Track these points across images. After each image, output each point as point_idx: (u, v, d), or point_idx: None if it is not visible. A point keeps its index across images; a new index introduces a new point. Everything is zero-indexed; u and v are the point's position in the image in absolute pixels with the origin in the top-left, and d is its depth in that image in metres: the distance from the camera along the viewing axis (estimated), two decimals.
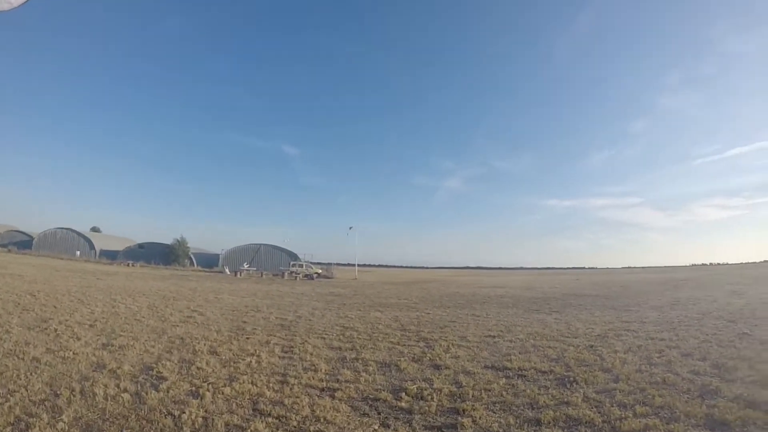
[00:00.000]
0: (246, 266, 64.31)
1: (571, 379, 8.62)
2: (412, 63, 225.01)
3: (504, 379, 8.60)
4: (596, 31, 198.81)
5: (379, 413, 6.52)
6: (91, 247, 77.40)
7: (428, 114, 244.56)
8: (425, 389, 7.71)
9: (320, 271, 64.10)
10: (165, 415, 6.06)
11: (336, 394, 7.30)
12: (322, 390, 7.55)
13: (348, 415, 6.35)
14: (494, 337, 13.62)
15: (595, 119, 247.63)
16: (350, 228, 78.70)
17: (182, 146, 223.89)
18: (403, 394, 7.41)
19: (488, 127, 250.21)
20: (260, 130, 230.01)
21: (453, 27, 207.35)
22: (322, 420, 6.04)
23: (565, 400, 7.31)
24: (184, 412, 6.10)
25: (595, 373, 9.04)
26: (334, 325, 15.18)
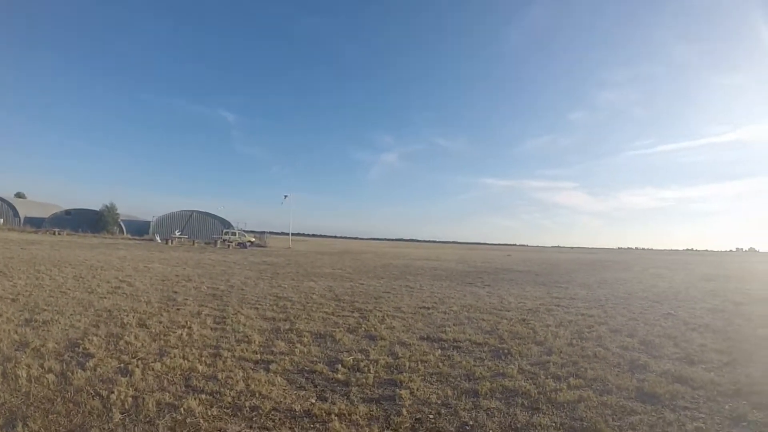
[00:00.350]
0: (178, 234, 62.36)
1: (506, 351, 8.82)
2: (360, 38, 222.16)
3: (440, 351, 8.61)
4: (548, 24, 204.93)
5: (315, 386, 6.38)
6: (15, 214, 71.90)
7: (373, 90, 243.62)
8: (362, 361, 7.62)
9: (253, 239, 63.45)
10: (93, 396, 5.60)
11: (271, 366, 7.09)
12: (257, 363, 7.33)
13: (284, 389, 6.16)
14: (428, 308, 13.78)
15: (536, 106, 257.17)
16: (285, 196, 77.15)
17: (113, 109, 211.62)
18: (340, 365, 7.29)
19: (430, 106, 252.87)
20: (199, 95, 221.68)
21: (406, 4, 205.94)
22: (257, 395, 5.84)
23: (501, 371, 7.46)
24: (112, 392, 5.68)
25: (529, 345, 9.31)
26: (268, 294, 14.94)
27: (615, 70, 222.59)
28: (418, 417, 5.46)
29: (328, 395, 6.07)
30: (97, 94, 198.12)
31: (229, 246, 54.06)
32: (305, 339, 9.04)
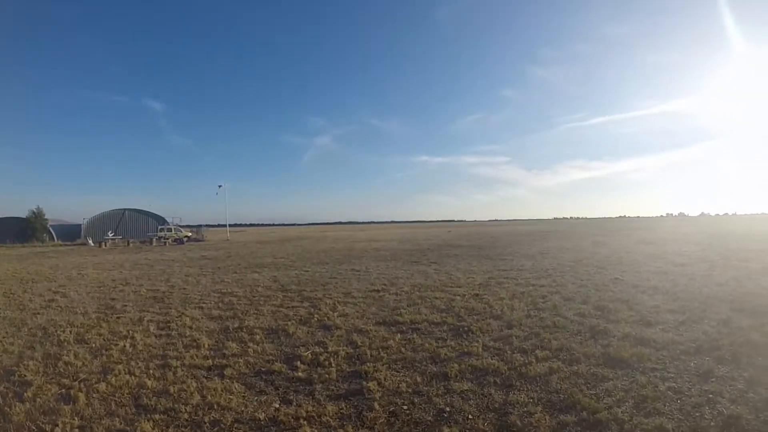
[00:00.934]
0: (111, 235, 58.81)
1: (466, 328, 8.72)
2: (289, 21, 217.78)
3: (399, 335, 8.38)
4: (478, 3, 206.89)
5: (276, 388, 6.01)
6: None
7: (303, 72, 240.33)
8: (320, 354, 7.33)
9: (190, 234, 61.40)
10: None
11: (225, 372, 6.64)
12: (209, 369, 6.84)
13: (243, 396, 5.76)
14: (379, 291, 13.56)
15: (468, 84, 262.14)
16: (219, 186, 74.27)
17: (29, 107, 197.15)
18: (298, 362, 6.95)
19: (362, 87, 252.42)
20: (120, 84, 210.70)
21: None
22: (215, 407, 5.40)
23: (466, 350, 7.33)
24: (56, 425, 5.13)
25: (488, 321, 9.26)
26: (211, 291, 14.33)
27: (546, 49, 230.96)
28: (391, 410, 5.22)
29: (292, 397, 5.70)
30: (8, 92, 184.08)
31: (165, 243, 52.20)
32: (257, 336, 8.62)
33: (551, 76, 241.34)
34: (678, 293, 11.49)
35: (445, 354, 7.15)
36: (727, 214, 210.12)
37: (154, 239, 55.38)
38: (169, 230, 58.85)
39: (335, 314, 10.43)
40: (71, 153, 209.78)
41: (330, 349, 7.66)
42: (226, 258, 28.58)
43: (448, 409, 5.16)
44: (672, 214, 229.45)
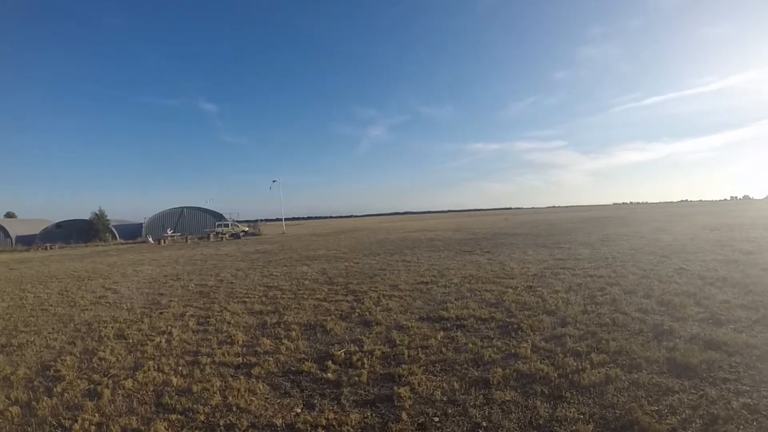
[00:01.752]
0: (170, 232, 60.66)
1: (515, 326, 8.04)
2: (327, 14, 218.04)
3: (442, 332, 7.84)
4: None
5: (302, 390, 5.66)
6: (6, 235, 68.77)
7: (349, 63, 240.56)
8: (354, 353, 6.90)
9: (247, 229, 62.55)
10: (55, 429, 4.88)
11: (253, 370, 6.37)
12: (238, 368, 6.61)
13: (266, 398, 5.46)
14: (427, 283, 13.00)
15: (518, 68, 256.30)
16: (274, 181, 75.96)
17: (90, 115, 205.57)
18: (330, 362, 6.57)
19: (410, 75, 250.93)
20: (171, 88, 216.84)
21: None
22: (234, 409, 5.14)
23: (513, 351, 6.68)
24: (76, 421, 4.93)
25: (540, 317, 8.54)
26: (258, 285, 14.19)
27: (595, 26, 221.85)
28: (420, 421, 4.67)
29: (316, 401, 5.28)
30: (71, 100, 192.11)
31: (222, 239, 52.96)
32: (293, 333, 8.30)
33: (602, 55, 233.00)
34: (750, 286, 10.35)
35: (489, 356, 6.53)
36: None
37: (212, 235, 56.15)
38: (226, 226, 59.93)
39: (378, 309, 9.99)
40: (133, 156, 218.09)
41: (366, 347, 7.21)
42: (279, 251, 28.57)
43: (484, 423, 4.55)
44: (736, 197, 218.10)
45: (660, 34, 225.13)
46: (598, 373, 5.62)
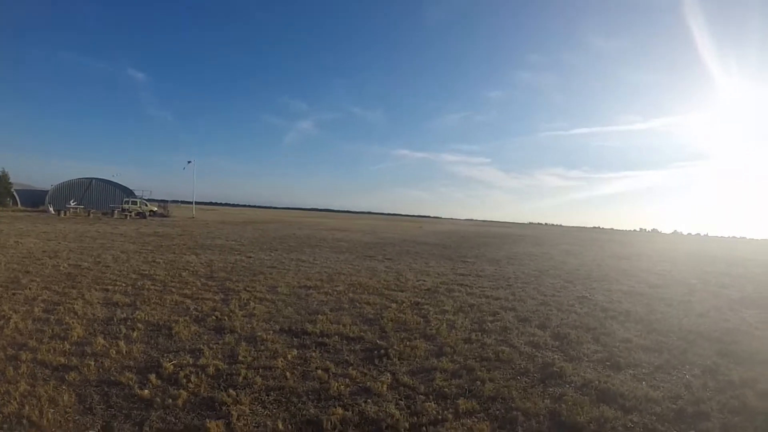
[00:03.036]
0: (73, 204, 56.79)
1: (383, 351, 6.81)
2: (279, 2, 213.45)
3: (296, 350, 6.67)
4: (471, 3, 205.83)
5: (108, 407, 4.67)
6: None
7: (286, 54, 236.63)
8: (186, 367, 5.80)
9: (156, 208, 60.08)
10: None
11: (69, 375, 5.37)
12: (56, 369, 5.59)
13: (65, 412, 4.51)
14: (310, 288, 11.85)
15: (455, 81, 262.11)
16: (188, 162, 71.58)
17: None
18: (154, 375, 5.51)
19: (347, 75, 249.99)
20: (100, 48, 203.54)
21: None
22: (25, 422, 4.26)
23: (367, 385, 5.43)
24: None
25: (415, 342, 7.35)
26: (132, 272, 12.87)
27: (534, 54, 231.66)
28: None
29: (115, 424, 4.31)
30: None
31: (126, 216, 50.27)
32: (135, 333, 7.17)
33: (537, 83, 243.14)
34: (654, 323, 9.70)
35: (337, 388, 5.29)
36: (699, 234, 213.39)
37: (116, 211, 53.51)
38: (135, 203, 57.41)
39: (240, 313, 8.78)
40: (45, 116, 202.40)
41: (202, 361, 6.05)
42: (177, 236, 26.91)
43: None
44: (645, 230, 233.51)
45: (596, 73, 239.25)
46: (461, 426, 4.40)
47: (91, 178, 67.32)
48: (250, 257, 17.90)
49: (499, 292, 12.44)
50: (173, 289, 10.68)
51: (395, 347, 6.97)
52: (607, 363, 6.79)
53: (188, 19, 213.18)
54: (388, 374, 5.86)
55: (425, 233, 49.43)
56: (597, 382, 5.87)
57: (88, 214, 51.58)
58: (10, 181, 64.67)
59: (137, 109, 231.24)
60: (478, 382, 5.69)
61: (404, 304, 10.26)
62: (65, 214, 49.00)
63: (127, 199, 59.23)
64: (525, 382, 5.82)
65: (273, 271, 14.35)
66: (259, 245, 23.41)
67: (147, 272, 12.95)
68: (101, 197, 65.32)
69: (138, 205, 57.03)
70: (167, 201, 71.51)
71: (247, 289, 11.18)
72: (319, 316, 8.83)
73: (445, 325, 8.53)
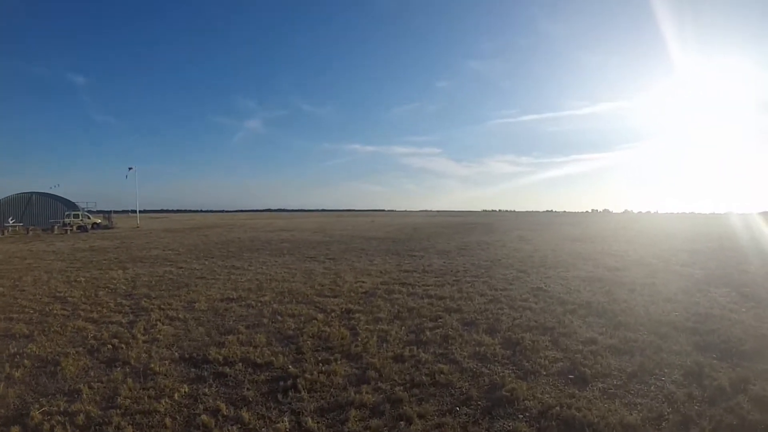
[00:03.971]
0: (11, 222, 53.73)
1: (291, 380, 5.48)
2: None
3: (189, 386, 5.50)
4: None
5: None
6: None
7: (231, 49, 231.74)
8: (55, 415, 4.78)
9: (99, 221, 57.13)
10: None
11: None
12: None
13: None
14: (232, 300, 10.55)
15: (403, 73, 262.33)
16: (130, 168, 68.36)
17: None
18: (19, 427, 4.56)
19: (294, 70, 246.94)
20: (36, 52, 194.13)
21: None
22: None
23: None
24: None
25: (335, 364, 6.01)
26: (47, 295, 11.53)
27: (483, 42, 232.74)
28: None
29: None
30: None
31: (67, 231, 48.05)
32: (18, 372, 6.06)
33: (486, 70, 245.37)
34: (619, 315, 8.63)
35: None
36: (649, 212, 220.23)
37: (57, 227, 50.87)
38: (76, 216, 54.73)
39: (143, 338, 7.56)
40: None
41: (75, 407, 4.93)
42: (113, 249, 25.11)
43: None
44: (597, 210, 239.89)
45: (544, 57, 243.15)
46: None
47: (31, 193, 63.86)
48: (182, 268, 16.52)
49: (445, 290, 11.24)
50: (81, 313, 9.46)
51: (308, 374, 5.63)
52: (570, 376, 5.59)
53: (128, 17, 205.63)
54: (290, 416, 4.53)
55: (376, 227, 48.18)
56: (558, 408, 4.66)
57: (27, 232, 49.09)
58: None
59: (79, 114, 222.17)
60: (403, 423, 4.36)
61: (333, 314, 8.94)
62: (3, 233, 46.32)
63: (68, 213, 56.65)
64: (465, 417, 4.57)
65: (200, 283, 13.01)
66: (196, 253, 21.91)
67: (62, 294, 11.61)
68: (43, 212, 62.24)
69: (80, 218, 54.57)
70: (111, 212, 68.88)
71: (162, 306, 9.88)
72: (230, 336, 7.51)
73: (375, 338, 7.21)
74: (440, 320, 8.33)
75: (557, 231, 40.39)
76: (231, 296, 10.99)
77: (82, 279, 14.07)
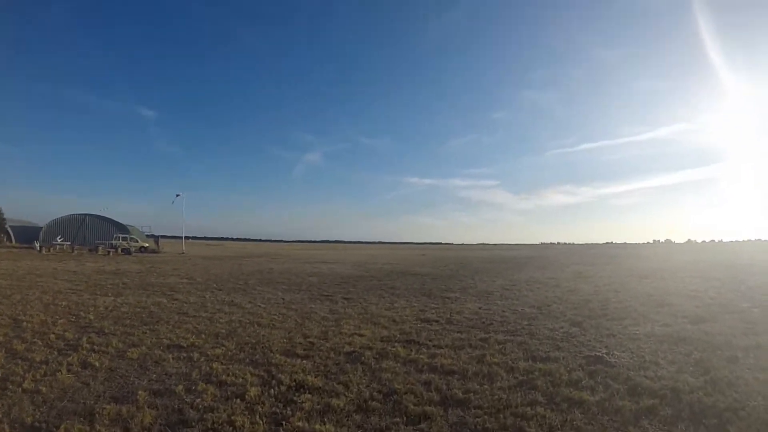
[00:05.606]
0: (59, 240, 55.47)
1: None
2: (281, 38, 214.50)
3: None
4: (467, 24, 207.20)
5: None
6: None
7: (292, 90, 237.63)
8: None
9: (147, 244, 58.75)
10: None
11: None
12: None
13: None
14: (181, 349, 8.40)
15: (459, 105, 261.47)
16: (177, 195, 67.46)
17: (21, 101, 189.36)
18: None
19: (352, 104, 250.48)
20: (110, 88, 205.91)
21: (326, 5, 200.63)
22: None
23: None
24: None
25: None
26: (9, 317, 10.98)
27: (536, 71, 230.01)
28: None
29: None
30: None
31: (110, 252, 48.65)
32: None
33: (542, 100, 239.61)
34: (729, 420, 4.99)
35: None
36: (713, 240, 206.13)
37: (101, 248, 51.80)
38: (125, 239, 55.86)
39: (24, 388, 6.11)
40: (48, 152, 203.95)
41: None
42: (134, 274, 24.02)
43: None
44: (659, 241, 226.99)
45: (598, 85, 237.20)
46: None
47: (85, 214, 66.11)
48: (176, 300, 14.65)
49: (461, 357, 7.83)
50: (14, 342, 8.51)
51: None
52: None
53: (193, 58, 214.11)
54: None
55: (423, 261, 44.58)
56: None
57: (72, 251, 50.74)
58: (4, 217, 63.47)
59: (147, 145, 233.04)
60: None
61: (273, 390, 6.04)
62: (48, 251, 48.11)
63: (117, 235, 57.42)
64: None
65: (173, 320, 11.10)
66: (209, 284, 19.73)
67: (23, 318, 10.88)
68: (95, 233, 63.49)
69: (127, 241, 55.34)
70: (159, 236, 69.20)
71: (96, 348, 8.27)
72: (109, 407, 5.22)
73: None
74: (424, 424, 4.94)
75: (620, 265, 35.68)
76: (183, 344, 8.71)
77: (65, 303, 13.31)
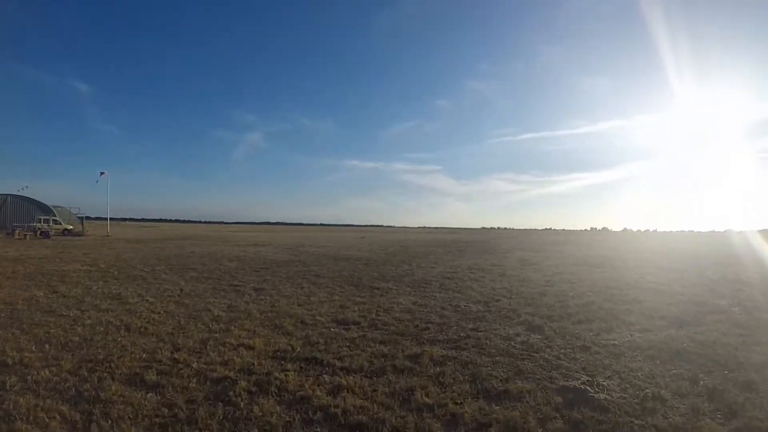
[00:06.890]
0: None
1: None
2: (222, 14, 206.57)
3: None
4: (418, 13, 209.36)
5: None
6: None
7: (235, 69, 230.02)
8: None
9: (71, 227, 55.89)
10: None
11: None
12: None
13: None
14: (5, 367, 6.14)
15: (404, 91, 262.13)
16: (102, 173, 63.32)
17: None
18: None
19: (295, 85, 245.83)
20: (42, 58, 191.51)
21: None
22: None
23: None
24: None
25: None
26: None
27: (483, 63, 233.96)
28: None
29: None
30: None
31: (26, 236, 46.08)
32: None
33: (485, 90, 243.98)
34: None
35: None
36: (648, 230, 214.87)
37: (18, 231, 48.56)
38: (46, 222, 52.76)
39: None
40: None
41: None
42: (35, 259, 21.39)
43: None
44: (596, 229, 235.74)
45: (541, 79, 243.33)
46: None
47: (6, 195, 61.73)
48: (56, 293, 12.22)
49: (377, 396, 5.34)
50: None
51: None
52: None
53: (132, 28, 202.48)
54: None
55: (360, 245, 42.02)
56: None
57: None
58: None
59: (81, 122, 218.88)
60: None
61: None
62: None
63: (38, 218, 54.11)
64: None
65: (32, 321, 8.89)
66: (111, 271, 17.28)
67: None
68: (15, 216, 59.17)
69: (49, 223, 52.21)
70: (83, 218, 65.54)
71: None
72: None
73: None
74: None
75: (564, 252, 34.16)
76: (9, 360, 6.36)
77: None
